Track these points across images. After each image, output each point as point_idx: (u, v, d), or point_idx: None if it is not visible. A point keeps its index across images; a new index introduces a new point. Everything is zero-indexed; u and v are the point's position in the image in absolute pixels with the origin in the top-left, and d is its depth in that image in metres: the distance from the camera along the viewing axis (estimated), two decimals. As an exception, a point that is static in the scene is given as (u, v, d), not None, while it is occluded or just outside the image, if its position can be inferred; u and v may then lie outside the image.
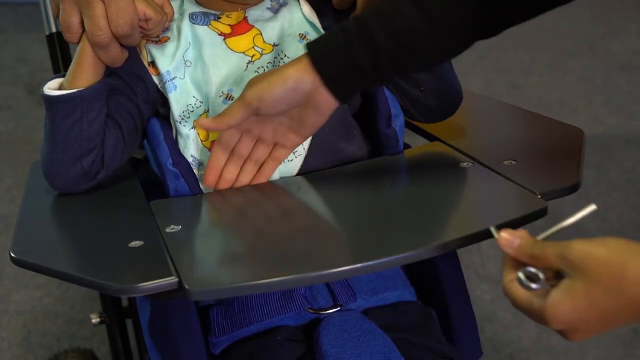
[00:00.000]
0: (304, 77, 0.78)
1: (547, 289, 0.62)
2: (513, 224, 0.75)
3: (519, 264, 0.65)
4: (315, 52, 0.78)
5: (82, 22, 0.82)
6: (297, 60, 0.79)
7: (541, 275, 0.63)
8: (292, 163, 0.90)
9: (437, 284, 0.95)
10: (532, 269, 0.64)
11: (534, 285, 0.63)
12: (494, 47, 2.87)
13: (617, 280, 0.58)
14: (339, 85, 0.79)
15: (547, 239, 0.66)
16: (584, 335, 0.62)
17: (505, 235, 0.66)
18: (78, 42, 0.84)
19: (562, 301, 0.60)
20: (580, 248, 0.60)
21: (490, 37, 0.77)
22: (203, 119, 0.85)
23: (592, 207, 0.66)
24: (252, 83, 0.81)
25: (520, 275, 0.64)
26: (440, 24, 0.74)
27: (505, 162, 0.86)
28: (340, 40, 0.77)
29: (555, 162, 0.89)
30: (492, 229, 0.68)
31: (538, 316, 0.63)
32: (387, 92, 0.94)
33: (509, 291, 0.65)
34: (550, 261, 0.62)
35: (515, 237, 0.65)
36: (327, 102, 0.80)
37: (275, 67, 0.82)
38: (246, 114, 0.81)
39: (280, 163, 0.89)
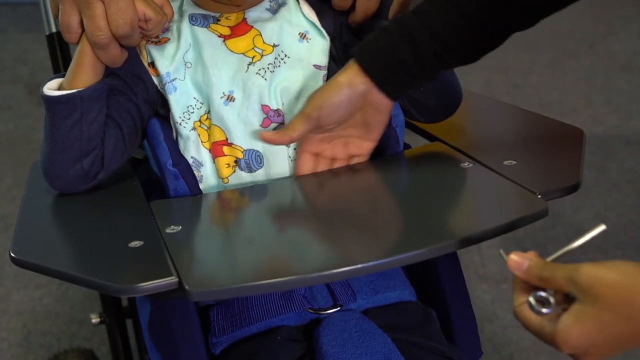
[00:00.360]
0: (356, 81, 0.82)
1: (558, 312, 0.62)
2: (514, 225, 0.75)
3: (529, 287, 0.65)
4: (363, 55, 0.82)
5: (81, 22, 0.82)
6: (347, 66, 0.83)
7: (552, 300, 0.63)
8: (293, 163, 0.90)
9: (437, 284, 0.94)
10: (543, 293, 0.63)
11: (544, 310, 0.63)
12: (493, 47, 2.87)
13: (627, 305, 0.58)
14: (389, 84, 0.83)
15: (556, 260, 0.66)
16: (596, 359, 0.62)
17: (514, 257, 0.65)
18: (77, 43, 0.84)
19: (572, 326, 0.60)
20: (590, 272, 0.60)
21: (525, 29, 0.81)
22: (267, 132, 0.87)
23: (601, 228, 0.66)
24: (310, 97, 0.85)
25: (531, 299, 0.64)
26: (474, 18, 0.78)
27: (506, 162, 0.86)
28: (385, 42, 0.81)
29: (555, 162, 0.89)
30: (502, 252, 0.68)
31: (549, 340, 0.63)
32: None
33: (519, 314, 0.65)
34: (559, 284, 0.62)
35: (525, 259, 0.65)
36: (383, 101, 0.84)
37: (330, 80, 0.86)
38: (308, 126, 0.84)
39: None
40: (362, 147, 0.89)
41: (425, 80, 0.84)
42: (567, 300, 0.62)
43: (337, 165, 0.90)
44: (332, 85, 0.83)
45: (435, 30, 0.79)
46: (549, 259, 0.66)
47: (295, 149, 0.90)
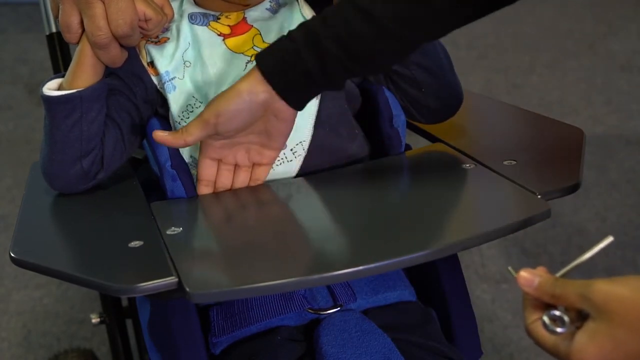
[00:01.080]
0: (257, 89, 0.78)
1: (572, 331, 0.61)
2: (517, 227, 0.75)
3: (540, 304, 0.64)
4: (265, 62, 0.78)
5: (81, 22, 0.82)
6: (249, 72, 0.79)
7: (566, 319, 0.62)
8: (291, 164, 0.90)
9: (437, 284, 0.94)
10: (557, 312, 0.63)
11: (559, 330, 0.62)
12: (494, 47, 2.87)
13: None
14: (292, 93, 0.79)
15: (565, 275, 0.65)
16: None
17: (524, 274, 0.64)
18: (78, 43, 0.84)
19: (587, 344, 0.60)
20: (603, 288, 0.59)
21: (436, 39, 0.78)
22: (160, 132, 0.83)
23: (609, 239, 0.65)
24: (210, 101, 0.81)
25: (545, 319, 0.63)
26: (385, 29, 0.74)
27: (505, 162, 0.86)
28: (289, 49, 0.77)
29: (555, 162, 0.89)
30: (510, 269, 0.67)
31: (564, 359, 0.62)
32: (387, 93, 0.94)
33: (532, 332, 0.64)
34: (571, 301, 0.61)
35: (535, 276, 0.64)
36: (285, 110, 0.80)
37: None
38: (204, 131, 0.81)
39: (262, 182, 0.89)
40: (264, 155, 0.86)
41: (332, 89, 0.80)
42: (580, 317, 0.62)
43: (240, 172, 0.87)
44: (233, 92, 0.79)
45: (341, 38, 0.75)
46: (559, 274, 0.65)
47: (291, 149, 0.90)
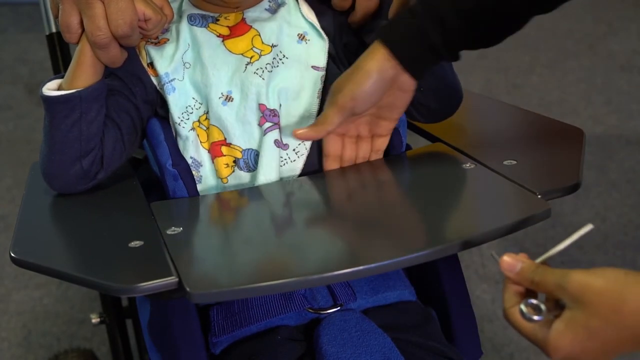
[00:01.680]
0: (385, 66, 0.82)
1: (550, 319, 0.62)
2: (517, 227, 0.75)
3: (521, 289, 0.66)
4: (391, 39, 0.81)
5: (81, 22, 0.82)
6: (373, 51, 0.82)
7: (543, 307, 0.63)
8: (295, 163, 0.90)
9: (437, 284, 0.94)
10: (534, 301, 0.64)
11: (535, 317, 0.64)
12: (494, 47, 2.87)
13: (616, 312, 0.59)
14: (418, 66, 0.83)
15: (546, 260, 0.66)
16: None
17: (507, 259, 0.67)
18: (77, 43, 0.84)
19: (563, 333, 0.61)
20: (579, 279, 0.61)
21: (548, 12, 0.81)
22: (300, 129, 0.86)
23: (589, 227, 0.67)
24: (338, 87, 0.84)
25: (523, 307, 0.64)
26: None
27: (506, 162, 0.86)
28: (412, 25, 0.81)
29: (555, 162, 0.89)
30: (494, 254, 0.69)
31: (541, 347, 0.64)
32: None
33: (511, 317, 0.66)
34: (549, 289, 0.63)
35: (517, 261, 0.66)
36: (409, 81, 0.84)
37: (353, 65, 0.84)
38: (343, 117, 0.84)
39: (383, 152, 0.92)
40: (383, 126, 0.89)
41: (452, 60, 0.85)
42: (558, 306, 0.63)
43: (362, 144, 0.90)
44: (362, 74, 0.82)
45: (461, 9, 0.79)
46: (539, 259, 0.66)
47: (294, 150, 0.90)
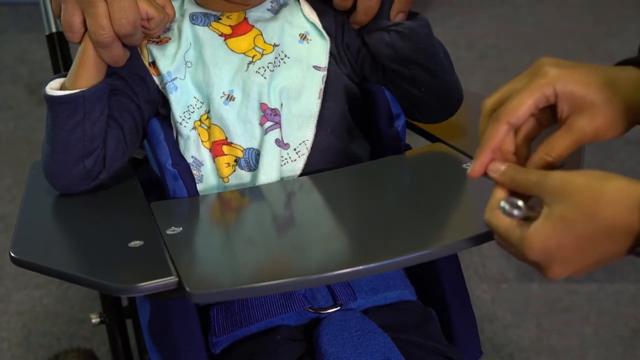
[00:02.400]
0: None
1: (531, 216, 0.63)
2: None
3: (505, 195, 0.66)
4: None
5: (84, 21, 0.82)
6: (626, 77, 0.67)
7: (521, 204, 0.64)
8: (295, 163, 0.90)
9: (437, 284, 0.94)
10: (515, 199, 0.64)
11: (515, 212, 0.64)
12: (494, 47, 2.87)
13: (594, 203, 0.58)
14: None
15: None
16: (560, 269, 0.62)
17: (494, 163, 0.66)
18: (79, 42, 0.84)
19: (539, 227, 0.61)
20: (559, 176, 0.61)
21: None
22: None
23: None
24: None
25: (503, 203, 0.65)
26: None
27: (506, 162, 0.86)
28: None
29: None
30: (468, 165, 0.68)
31: (516, 247, 0.63)
32: (387, 93, 0.94)
33: (490, 219, 0.66)
34: (530, 187, 0.63)
35: (502, 163, 0.66)
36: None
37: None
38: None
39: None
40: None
41: None
42: (537, 208, 0.63)
43: None
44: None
45: None
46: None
47: (294, 149, 0.90)
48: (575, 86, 0.64)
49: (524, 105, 0.64)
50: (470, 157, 0.89)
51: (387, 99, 0.94)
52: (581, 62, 0.68)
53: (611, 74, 0.66)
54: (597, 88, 0.65)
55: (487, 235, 0.72)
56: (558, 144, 0.65)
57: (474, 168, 0.67)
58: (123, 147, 0.89)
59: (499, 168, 0.66)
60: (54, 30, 1.15)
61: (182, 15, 0.92)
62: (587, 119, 0.65)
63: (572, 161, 0.85)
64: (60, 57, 1.16)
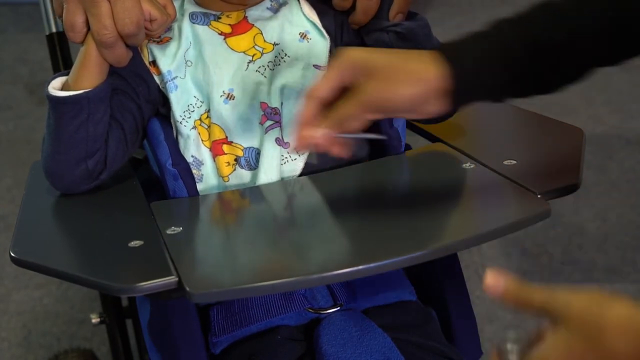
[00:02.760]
0: (426, 71, 0.72)
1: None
2: (517, 227, 0.75)
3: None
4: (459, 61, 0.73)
5: (86, 21, 0.82)
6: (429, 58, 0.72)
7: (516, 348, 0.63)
8: (295, 162, 0.90)
9: (437, 284, 0.95)
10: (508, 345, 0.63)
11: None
12: (494, 47, 2.87)
13: (598, 333, 0.58)
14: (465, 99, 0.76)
15: None
16: None
17: (490, 281, 0.64)
18: (81, 42, 0.84)
19: (545, 351, 0.60)
20: (562, 300, 0.60)
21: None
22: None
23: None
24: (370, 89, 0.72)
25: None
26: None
27: (505, 162, 0.86)
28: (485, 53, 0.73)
29: (555, 162, 0.89)
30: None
31: None
32: (387, 92, 0.94)
33: None
34: (534, 308, 0.62)
35: (500, 281, 0.63)
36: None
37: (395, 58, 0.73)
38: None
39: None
40: None
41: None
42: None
43: None
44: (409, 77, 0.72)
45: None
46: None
47: (294, 150, 0.90)
48: (367, 56, 0.70)
49: (327, 81, 0.71)
50: (470, 157, 0.89)
51: (387, 99, 0.94)
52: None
53: (407, 52, 0.72)
54: (386, 55, 0.71)
55: (487, 235, 0.72)
56: (341, 107, 0.71)
57: (296, 144, 0.72)
58: (124, 146, 0.89)
59: (497, 289, 0.64)
60: (54, 30, 1.15)
61: (182, 15, 0.92)
62: (374, 84, 0.70)
63: (572, 161, 0.86)
64: (61, 57, 1.16)
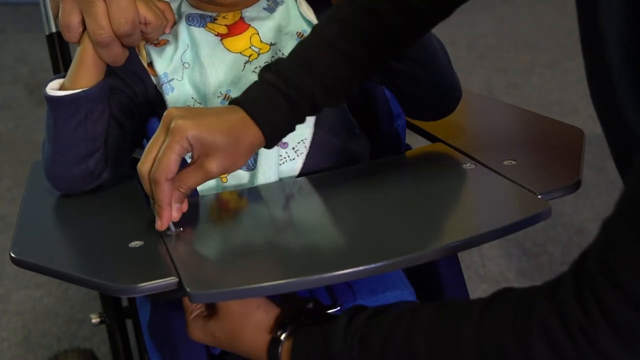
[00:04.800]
0: (250, 136, 0.78)
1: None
2: (517, 227, 0.75)
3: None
4: (256, 112, 0.78)
5: (82, 21, 0.82)
6: (239, 119, 0.77)
7: None
8: (294, 162, 0.90)
9: (438, 284, 0.94)
10: None
11: None
12: (494, 47, 2.87)
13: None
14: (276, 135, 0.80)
15: None
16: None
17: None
18: (77, 42, 0.84)
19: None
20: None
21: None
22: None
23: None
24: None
25: None
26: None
27: (505, 162, 0.86)
28: (277, 100, 0.79)
29: (556, 162, 0.88)
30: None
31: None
32: (387, 92, 0.94)
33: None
34: None
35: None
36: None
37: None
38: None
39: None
40: None
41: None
42: None
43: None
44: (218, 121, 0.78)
45: (319, 75, 0.79)
46: None
47: (293, 148, 0.90)
48: (203, 134, 0.74)
49: (171, 162, 0.74)
50: (470, 157, 0.89)
51: (387, 98, 0.94)
52: (206, 110, 0.81)
53: (229, 118, 0.77)
54: (221, 134, 0.75)
55: (487, 235, 0.72)
56: (189, 180, 0.76)
57: (162, 224, 0.75)
58: (124, 146, 0.89)
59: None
60: (54, 30, 1.15)
61: (179, 17, 0.93)
62: (215, 161, 0.76)
63: (572, 161, 0.85)
64: (60, 57, 1.16)
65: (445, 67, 0.91)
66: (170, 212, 0.75)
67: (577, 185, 0.81)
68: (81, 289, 1.72)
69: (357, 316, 0.70)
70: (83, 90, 0.84)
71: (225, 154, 0.76)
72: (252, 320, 0.75)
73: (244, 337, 0.75)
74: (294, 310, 0.76)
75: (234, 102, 0.79)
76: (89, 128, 0.84)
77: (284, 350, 0.73)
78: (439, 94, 0.92)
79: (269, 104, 0.79)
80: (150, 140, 0.76)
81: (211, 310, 0.77)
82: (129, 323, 1.35)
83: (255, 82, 0.80)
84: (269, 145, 0.80)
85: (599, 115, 0.70)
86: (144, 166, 0.75)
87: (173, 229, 0.77)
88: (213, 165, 0.76)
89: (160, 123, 0.76)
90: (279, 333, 0.74)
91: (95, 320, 1.28)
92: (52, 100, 0.84)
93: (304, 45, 0.82)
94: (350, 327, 0.69)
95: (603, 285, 0.55)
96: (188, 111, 0.77)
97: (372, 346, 0.67)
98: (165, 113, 0.76)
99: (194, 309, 0.78)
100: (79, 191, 0.88)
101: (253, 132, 0.78)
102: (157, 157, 0.74)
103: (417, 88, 0.91)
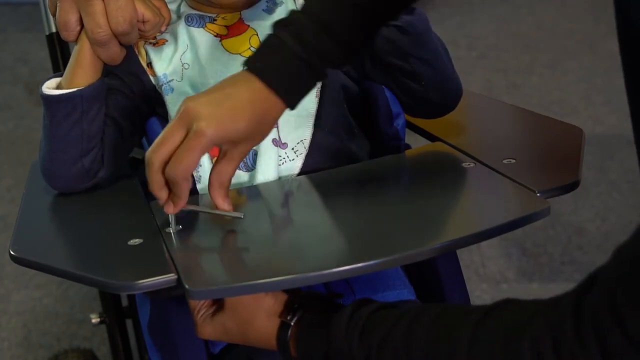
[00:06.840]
0: (272, 110, 0.77)
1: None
2: (516, 225, 0.75)
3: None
4: (278, 84, 0.76)
5: (79, 20, 0.82)
6: (259, 95, 0.76)
7: None
8: (293, 162, 0.90)
9: (437, 284, 0.95)
10: None
11: None
12: (494, 47, 2.87)
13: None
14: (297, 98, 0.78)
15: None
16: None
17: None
18: (74, 40, 0.84)
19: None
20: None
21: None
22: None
23: (240, 215, 0.78)
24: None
25: None
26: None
27: (505, 161, 0.86)
28: (289, 60, 0.76)
29: (555, 161, 0.89)
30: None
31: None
32: (387, 92, 0.94)
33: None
34: None
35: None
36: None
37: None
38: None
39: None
40: None
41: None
42: None
43: None
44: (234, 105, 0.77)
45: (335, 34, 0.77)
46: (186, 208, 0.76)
47: (292, 148, 0.90)
48: (226, 133, 0.73)
49: (192, 164, 0.73)
50: (470, 156, 0.89)
51: (387, 98, 0.94)
52: (224, 94, 0.76)
53: (248, 98, 0.75)
54: (244, 121, 0.74)
55: (486, 233, 0.72)
56: (227, 172, 0.76)
57: (175, 208, 0.75)
58: (121, 145, 0.89)
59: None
60: (53, 30, 1.15)
61: (179, 18, 0.93)
62: (242, 147, 0.75)
63: (571, 160, 0.86)
64: (60, 57, 1.16)
65: (446, 63, 0.92)
66: (184, 203, 0.75)
67: (576, 183, 0.81)
68: (81, 289, 1.72)
69: (360, 309, 0.71)
70: (79, 89, 0.84)
71: (251, 138, 0.76)
72: (262, 307, 0.75)
73: (255, 323, 0.75)
74: (304, 296, 0.77)
75: (252, 68, 0.76)
76: (84, 127, 0.84)
77: (292, 335, 0.74)
78: (441, 90, 0.93)
79: (289, 72, 0.76)
80: (166, 130, 0.74)
81: (219, 305, 0.77)
82: (129, 323, 1.35)
83: (271, 42, 0.77)
84: (292, 109, 0.78)
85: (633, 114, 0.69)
86: (154, 155, 0.73)
87: (173, 226, 0.77)
88: (242, 151, 0.76)
89: (177, 114, 0.73)
90: (289, 317, 0.74)
91: (95, 320, 1.28)
92: (48, 99, 0.84)
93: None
94: (352, 320, 0.70)
95: (606, 321, 0.53)
96: (207, 104, 0.74)
97: (370, 341, 0.68)
98: (182, 104, 0.73)
99: (201, 308, 0.78)
100: (76, 190, 0.88)
101: (274, 103, 0.76)
102: (176, 156, 0.72)
103: (419, 85, 0.91)
